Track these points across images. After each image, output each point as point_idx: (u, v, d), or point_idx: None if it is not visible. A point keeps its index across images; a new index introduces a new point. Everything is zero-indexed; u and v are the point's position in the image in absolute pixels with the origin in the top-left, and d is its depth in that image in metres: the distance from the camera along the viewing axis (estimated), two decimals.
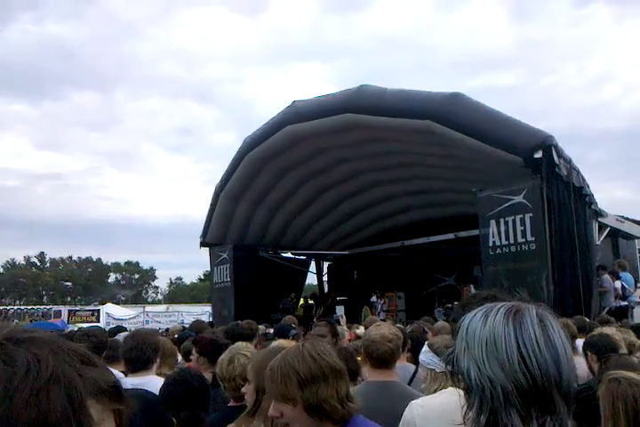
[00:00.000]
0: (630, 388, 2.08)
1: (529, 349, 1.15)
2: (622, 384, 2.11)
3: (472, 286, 14.74)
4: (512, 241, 10.00)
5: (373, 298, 17.59)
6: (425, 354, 2.47)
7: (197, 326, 7.32)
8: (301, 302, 18.22)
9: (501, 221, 10.15)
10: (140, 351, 3.53)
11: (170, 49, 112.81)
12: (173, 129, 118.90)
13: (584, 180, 10.42)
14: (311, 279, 20.80)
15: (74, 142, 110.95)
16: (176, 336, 6.68)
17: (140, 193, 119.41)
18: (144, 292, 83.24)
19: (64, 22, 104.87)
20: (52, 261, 79.51)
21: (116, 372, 4.32)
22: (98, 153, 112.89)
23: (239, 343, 3.66)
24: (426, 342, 2.58)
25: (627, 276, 11.11)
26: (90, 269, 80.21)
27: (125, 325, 25.89)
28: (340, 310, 18.20)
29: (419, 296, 17.25)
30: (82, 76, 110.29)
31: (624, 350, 4.15)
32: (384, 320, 15.01)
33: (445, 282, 17.21)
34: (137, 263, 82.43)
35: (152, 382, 3.27)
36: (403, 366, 3.99)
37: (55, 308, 35.09)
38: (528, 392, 1.12)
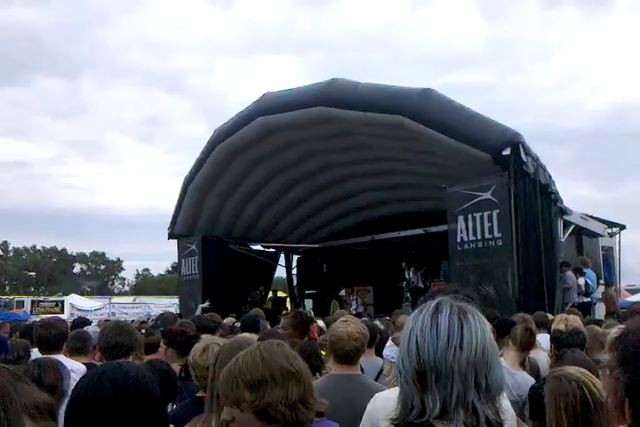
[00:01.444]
0: (570, 385, 2.11)
1: (417, 338, 1.33)
2: (562, 382, 2.14)
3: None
4: (479, 237, 10.11)
5: (342, 292, 17.66)
6: (389, 349, 2.47)
7: (166, 318, 7.22)
8: (270, 295, 18.19)
9: (469, 216, 10.26)
10: (126, 338, 3.55)
11: (140, 37, 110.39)
12: (142, 119, 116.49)
13: (550, 177, 10.59)
14: (280, 272, 20.79)
15: (39, 130, 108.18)
16: (143, 331, 6.60)
17: (106, 183, 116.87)
18: (110, 283, 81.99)
19: (31, 7, 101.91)
20: (16, 250, 77.74)
21: (78, 365, 4.26)
22: (64, 141, 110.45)
23: (208, 336, 3.64)
24: (390, 338, 2.59)
25: (590, 273, 11.35)
26: (54, 260, 78.65)
27: (91, 316, 25.47)
28: (308, 303, 18.23)
29: (388, 290, 17.34)
30: (48, 62, 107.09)
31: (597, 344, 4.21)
32: (360, 314, 15.10)
33: (420, 276, 17.32)
34: (103, 254, 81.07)
35: None
36: (371, 359, 4.01)
37: (18, 298, 34.32)
38: (418, 374, 1.30)
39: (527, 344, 3.92)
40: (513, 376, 3.49)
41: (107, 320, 12.33)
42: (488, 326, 1.35)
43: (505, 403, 1.90)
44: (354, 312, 16.15)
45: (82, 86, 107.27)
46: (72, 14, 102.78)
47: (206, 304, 12.62)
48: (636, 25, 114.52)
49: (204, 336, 3.62)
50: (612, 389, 1.23)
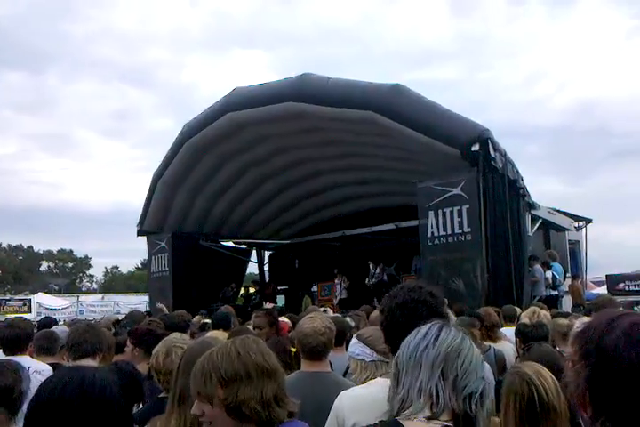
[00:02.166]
0: (521, 384, 2.17)
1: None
2: (516, 379, 2.20)
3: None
4: (449, 232, 10.22)
5: (314, 288, 17.64)
6: (354, 346, 2.47)
7: (134, 316, 7.13)
8: (242, 291, 18.10)
9: (440, 212, 10.35)
10: (93, 338, 3.56)
11: (106, 31, 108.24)
12: (109, 113, 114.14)
13: (518, 173, 10.74)
14: (252, 269, 20.71)
15: (2, 125, 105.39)
16: (112, 331, 6.51)
17: (73, 179, 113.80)
18: (78, 281, 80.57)
19: None
20: None
21: (44, 366, 4.18)
22: (28, 136, 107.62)
23: (174, 335, 3.59)
24: (354, 335, 2.59)
25: (557, 266, 11.56)
26: (20, 257, 77.02)
27: (59, 315, 25.04)
28: (280, 299, 18.20)
29: (360, 286, 17.42)
30: (12, 55, 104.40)
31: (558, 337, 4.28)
32: (344, 300, 15.03)
33: (385, 271, 17.43)
34: (71, 251, 79.51)
35: None
36: (342, 356, 4.01)
37: None
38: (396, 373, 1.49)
39: None
40: None
41: (73, 320, 12.11)
42: (474, 347, 1.50)
43: None
44: (339, 297, 16.00)
45: (47, 80, 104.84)
46: (37, 6, 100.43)
47: (160, 305, 12.38)
48: (600, 21, 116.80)
49: (169, 336, 3.57)
50: (574, 382, 1.25)
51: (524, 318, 4.68)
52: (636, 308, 9.65)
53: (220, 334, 4.50)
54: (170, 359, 2.71)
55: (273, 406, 1.68)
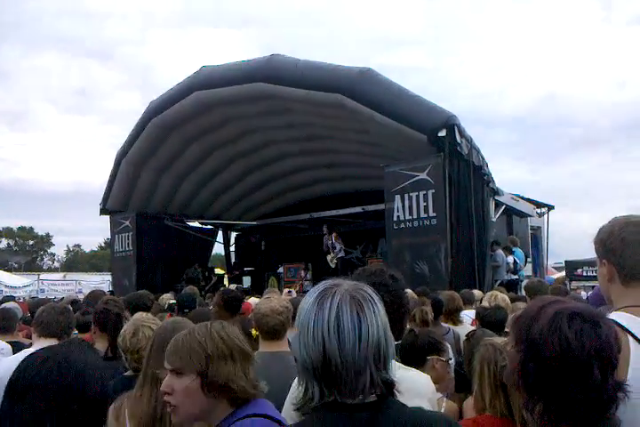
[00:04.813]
0: (494, 352, 2.27)
1: (324, 332, 1.24)
2: (489, 349, 2.31)
3: None
4: (415, 216, 10.32)
5: (280, 269, 17.68)
6: None
7: (95, 296, 7.02)
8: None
9: (406, 196, 10.43)
10: (63, 318, 3.57)
11: (67, 5, 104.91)
12: (71, 89, 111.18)
13: (483, 159, 10.87)
14: (218, 249, 20.62)
15: None
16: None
17: (33, 155, 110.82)
18: (39, 259, 79.05)
19: None
20: None
21: (3, 344, 4.12)
22: None
23: (141, 314, 3.58)
24: None
25: (518, 252, 11.81)
26: None
27: (19, 293, 24.56)
28: (247, 280, 18.21)
29: (325, 268, 17.53)
30: None
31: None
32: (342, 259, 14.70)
33: (352, 254, 17.58)
34: (31, 229, 77.84)
35: None
36: None
37: None
38: (323, 368, 1.23)
39: (424, 322, 4.09)
40: None
41: (33, 297, 11.88)
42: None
43: (416, 379, 1.97)
44: (339, 255, 15.69)
45: (5, 54, 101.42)
46: None
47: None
48: (569, 11, 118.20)
49: (136, 315, 3.56)
50: (510, 365, 1.36)
51: (485, 301, 4.80)
52: (589, 293, 9.94)
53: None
54: (136, 339, 2.72)
55: (256, 385, 1.78)
